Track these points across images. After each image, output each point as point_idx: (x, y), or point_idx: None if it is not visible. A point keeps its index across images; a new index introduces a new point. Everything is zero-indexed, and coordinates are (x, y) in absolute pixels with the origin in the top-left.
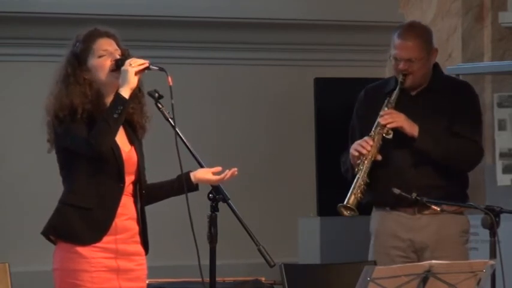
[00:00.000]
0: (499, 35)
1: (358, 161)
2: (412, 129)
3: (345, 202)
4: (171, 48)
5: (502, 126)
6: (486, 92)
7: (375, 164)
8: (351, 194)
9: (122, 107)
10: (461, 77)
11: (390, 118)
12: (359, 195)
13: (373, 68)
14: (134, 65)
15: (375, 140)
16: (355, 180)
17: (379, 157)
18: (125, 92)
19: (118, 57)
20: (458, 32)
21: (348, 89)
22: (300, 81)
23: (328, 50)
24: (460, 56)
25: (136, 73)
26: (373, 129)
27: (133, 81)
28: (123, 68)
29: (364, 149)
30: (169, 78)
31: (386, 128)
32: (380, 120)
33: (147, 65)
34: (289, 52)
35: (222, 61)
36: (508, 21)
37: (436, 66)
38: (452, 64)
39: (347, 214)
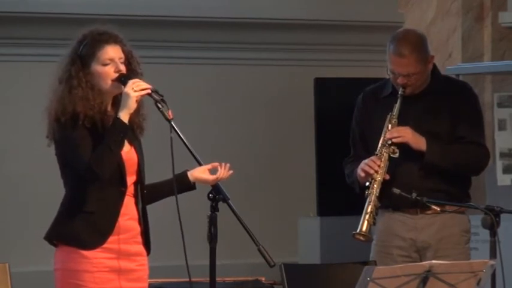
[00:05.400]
0: (499, 35)
1: (367, 183)
2: (418, 144)
3: (358, 230)
4: (171, 48)
5: (502, 126)
6: (486, 92)
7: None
8: (363, 221)
9: (122, 134)
10: (461, 77)
11: (396, 133)
12: (371, 220)
13: (373, 68)
14: (137, 90)
15: (382, 160)
16: (366, 205)
17: (387, 176)
18: (125, 117)
19: (122, 69)
20: (458, 32)
21: (348, 89)
22: (300, 81)
23: (328, 50)
24: (460, 56)
25: (137, 99)
26: (378, 147)
27: (133, 106)
28: (125, 90)
29: (371, 169)
30: (170, 112)
31: (392, 147)
32: (386, 135)
33: (149, 91)
34: (289, 52)
35: (222, 61)
36: (508, 21)
37: (433, 67)
38: (452, 64)
39: (363, 239)
